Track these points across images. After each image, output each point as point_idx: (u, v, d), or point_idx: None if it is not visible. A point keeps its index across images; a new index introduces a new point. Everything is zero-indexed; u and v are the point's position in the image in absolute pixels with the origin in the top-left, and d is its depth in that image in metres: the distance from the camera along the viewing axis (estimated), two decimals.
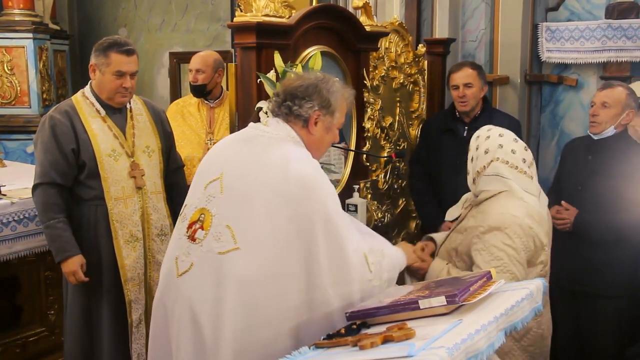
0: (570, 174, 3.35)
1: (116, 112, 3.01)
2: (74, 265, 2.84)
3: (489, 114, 3.60)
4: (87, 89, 3.00)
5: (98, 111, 2.95)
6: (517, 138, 2.48)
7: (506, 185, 2.38)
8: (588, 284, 3.18)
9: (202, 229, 2.04)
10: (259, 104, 2.58)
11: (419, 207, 3.81)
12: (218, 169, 2.10)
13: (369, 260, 2.11)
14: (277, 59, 2.58)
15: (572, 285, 3.24)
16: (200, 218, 2.06)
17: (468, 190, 3.52)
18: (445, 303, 1.77)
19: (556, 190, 3.44)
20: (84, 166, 2.89)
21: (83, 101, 2.97)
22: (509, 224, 2.28)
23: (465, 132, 3.57)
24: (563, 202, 3.25)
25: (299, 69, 2.65)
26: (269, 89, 2.54)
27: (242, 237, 1.98)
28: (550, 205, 3.44)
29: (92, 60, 2.93)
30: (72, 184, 2.92)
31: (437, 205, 3.65)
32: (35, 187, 2.91)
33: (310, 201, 2.00)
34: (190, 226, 2.09)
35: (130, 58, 2.93)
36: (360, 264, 2.07)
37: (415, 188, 3.77)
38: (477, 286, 1.87)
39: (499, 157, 2.40)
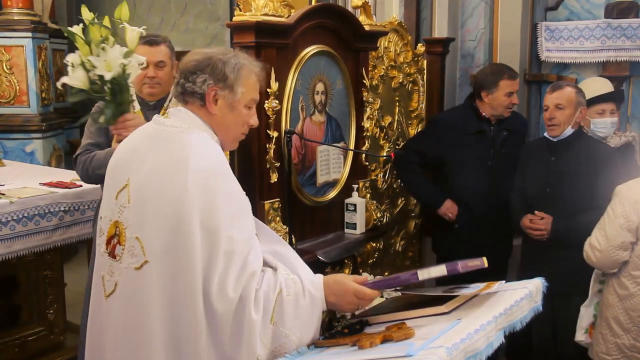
0: (535, 177, 3.35)
1: (151, 108, 2.96)
2: None
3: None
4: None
5: (133, 106, 2.92)
6: None
7: None
8: (565, 282, 3.13)
9: (120, 244, 1.88)
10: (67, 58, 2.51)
11: (418, 186, 3.72)
12: (125, 176, 1.92)
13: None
14: (85, 12, 2.58)
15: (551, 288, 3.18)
16: (117, 232, 1.91)
17: (495, 190, 3.52)
18: (446, 272, 1.74)
19: (522, 195, 3.44)
20: None
21: None
22: None
23: (492, 132, 3.58)
24: (537, 212, 3.24)
25: (105, 21, 2.60)
26: (81, 47, 2.51)
27: (149, 248, 1.80)
28: (519, 211, 3.43)
29: None
30: None
31: (434, 185, 3.65)
32: (75, 158, 2.91)
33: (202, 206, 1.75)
34: (108, 241, 1.93)
35: (153, 48, 2.93)
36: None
37: (411, 169, 3.67)
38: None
39: None
